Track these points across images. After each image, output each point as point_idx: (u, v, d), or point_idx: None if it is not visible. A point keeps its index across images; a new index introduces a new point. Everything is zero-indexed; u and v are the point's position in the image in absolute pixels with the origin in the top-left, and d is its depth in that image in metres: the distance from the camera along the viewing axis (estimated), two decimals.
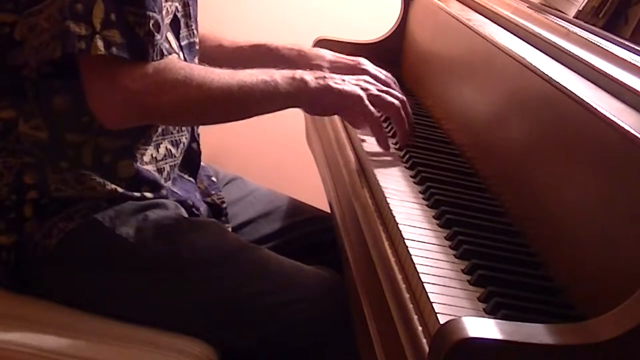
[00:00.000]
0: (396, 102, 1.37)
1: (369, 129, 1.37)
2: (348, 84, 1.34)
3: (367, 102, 1.33)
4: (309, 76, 1.32)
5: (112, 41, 1.20)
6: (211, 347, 1.28)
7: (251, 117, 1.36)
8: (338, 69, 1.51)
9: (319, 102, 1.33)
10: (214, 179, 1.56)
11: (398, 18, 1.97)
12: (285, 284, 1.30)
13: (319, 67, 1.52)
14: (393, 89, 1.44)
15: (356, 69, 1.50)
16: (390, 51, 1.96)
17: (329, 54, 1.59)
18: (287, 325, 1.28)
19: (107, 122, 1.26)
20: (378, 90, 1.37)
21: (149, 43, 1.22)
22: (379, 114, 1.35)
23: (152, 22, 1.22)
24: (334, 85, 1.32)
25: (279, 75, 1.30)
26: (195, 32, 1.46)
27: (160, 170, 1.36)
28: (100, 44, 1.19)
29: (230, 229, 1.49)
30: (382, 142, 1.37)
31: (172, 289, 1.29)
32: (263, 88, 1.29)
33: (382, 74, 1.49)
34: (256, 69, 1.31)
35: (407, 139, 1.40)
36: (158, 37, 1.23)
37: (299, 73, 1.32)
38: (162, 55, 1.24)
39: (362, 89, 1.34)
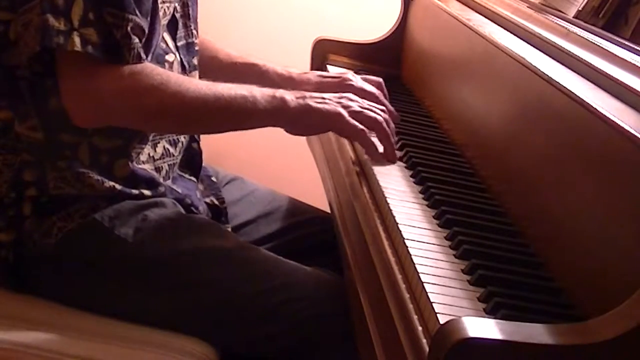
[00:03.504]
0: (379, 117, 1.35)
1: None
2: (329, 102, 1.32)
3: (348, 117, 1.31)
4: (290, 96, 1.31)
5: (88, 40, 1.19)
6: (211, 347, 1.28)
7: (228, 131, 1.36)
8: (325, 88, 1.48)
9: (300, 122, 1.32)
10: (214, 179, 1.56)
11: (398, 18, 1.97)
12: (284, 284, 1.30)
13: (305, 91, 1.49)
14: (379, 102, 1.42)
15: (342, 86, 1.47)
16: (390, 51, 1.96)
17: (314, 76, 1.58)
18: (286, 325, 1.28)
19: (78, 120, 1.24)
20: (360, 106, 1.35)
21: (125, 46, 1.22)
22: (363, 127, 1.33)
23: (130, 25, 1.21)
24: (315, 105, 1.31)
25: (259, 92, 1.29)
26: (194, 32, 1.46)
27: (158, 169, 1.37)
28: (77, 40, 1.19)
29: (230, 229, 1.49)
30: (372, 153, 1.34)
31: (171, 290, 1.29)
32: (241, 103, 1.28)
33: (368, 86, 1.47)
34: (237, 84, 1.30)
35: (394, 154, 1.36)
36: (136, 40, 1.23)
37: (279, 92, 1.30)
38: (140, 59, 1.24)
39: (343, 106, 1.33)
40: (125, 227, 1.29)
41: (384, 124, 1.35)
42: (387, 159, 1.35)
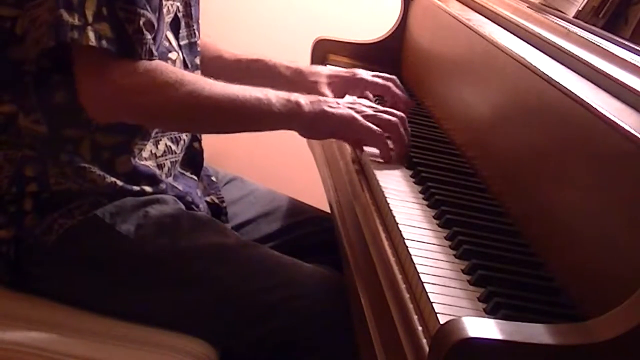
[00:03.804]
0: (392, 119, 1.35)
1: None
2: (343, 107, 1.33)
3: (362, 120, 1.32)
4: (304, 100, 1.31)
5: (102, 34, 1.21)
6: (211, 347, 1.28)
7: (242, 131, 1.37)
8: (335, 83, 1.50)
9: (314, 127, 1.33)
10: (213, 178, 1.56)
11: (398, 18, 1.98)
12: (285, 281, 1.30)
13: (316, 84, 1.51)
14: (392, 94, 1.43)
15: (353, 80, 1.48)
16: (390, 51, 1.96)
17: (325, 70, 1.58)
18: (287, 322, 1.28)
19: (94, 115, 1.26)
20: (374, 110, 1.35)
21: (137, 40, 1.23)
22: (379, 130, 1.33)
23: (142, 20, 1.23)
24: (329, 110, 1.32)
25: (273, 95, 1.30)
26: (196, 32, 1.46)
27: (160, 166, 1.37)
28: (91, 35, 1.20)
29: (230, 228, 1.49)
30: (387, 157, 1.34)
31: (172, 286, 1.29)
32: (255, 104, 1.29)
33: (380, 78, 1.48)
34: (252, 87, 1.31)
35: (405, 157, 1.36)
36: (148, 36, 1.24)
37: (294, 96, 1.31)
38: (152, 55, 1.25)
39: (357, 111, 1.33)
40: (127, 223, 1.29)
41: (399, 126, 1.35)
42: (398, 161, 1.34)
